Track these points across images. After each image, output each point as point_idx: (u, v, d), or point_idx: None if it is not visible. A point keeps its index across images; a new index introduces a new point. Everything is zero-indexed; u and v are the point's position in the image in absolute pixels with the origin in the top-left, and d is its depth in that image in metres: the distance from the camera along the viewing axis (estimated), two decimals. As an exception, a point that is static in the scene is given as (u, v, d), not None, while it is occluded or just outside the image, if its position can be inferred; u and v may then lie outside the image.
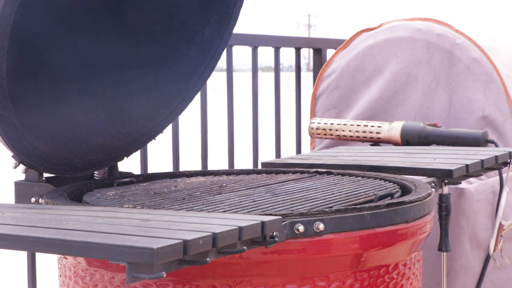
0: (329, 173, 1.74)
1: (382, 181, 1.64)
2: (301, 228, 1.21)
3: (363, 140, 2.36)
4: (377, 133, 2.32)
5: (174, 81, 1.81)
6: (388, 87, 2.52)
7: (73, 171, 1.63)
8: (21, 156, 1.49)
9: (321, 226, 1.23)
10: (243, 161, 3.68)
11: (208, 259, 1.00)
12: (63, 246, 0.97)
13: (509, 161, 1.86)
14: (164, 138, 2.17)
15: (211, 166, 2.63)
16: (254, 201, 1.40)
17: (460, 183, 1.81)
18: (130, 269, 0.91)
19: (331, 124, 2.40)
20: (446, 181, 1.72)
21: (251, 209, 1.32)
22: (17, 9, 1.33)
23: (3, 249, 1.03)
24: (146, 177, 1.77)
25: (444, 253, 1.84)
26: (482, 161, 1.77)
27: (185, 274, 1.22)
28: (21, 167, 1.56)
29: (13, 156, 1.51)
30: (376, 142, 2.34)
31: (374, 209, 1.29)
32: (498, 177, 2.21)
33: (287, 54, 3.20)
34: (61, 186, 1.57)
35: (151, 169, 2.45)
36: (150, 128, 1.80)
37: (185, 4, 1.77)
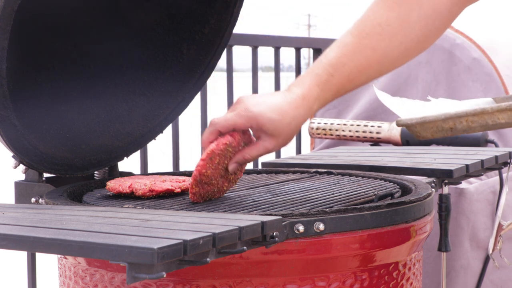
0: (329, 173, 1.74)
1: (382, 181, 1.64)
2: (301, 228, 1.21)
3: (363, 140, 2.35)
4: (377, 133, 2.32)
5: (174, 81, 1.81)
6: (388, 87, 2.52)
7: (73, 171, 1.63)
8: (21, 156, 1.49)
9: (321, 226, 1.23)
10: (243, 161, 3.67)
11: (208, 259, 0.99)
12: (63, 246, 0.97)
13: (509, 161, 1.86)
14: (164, 138, 2.17)
15: (211, 166, 2.62)
16: (254, 201, 1.40)
17: (460, 183, 1.81)
18: (130, 269, 0.91)
19: (331, 124, 2.40)
20: (446, 181, 1.72)
21: (251, 209, 1.32)
22: (17, 9, 1.33)
23: (3, 249, 1.03)
24: (146, 177, 1.76)
25: (444, 253, 1.84)
26: (482, 161, 1.77)
27: (185, 274, 1.22)
28: (21, 167, 1.56)
29: (13, 156, 1.51)
30: (376, 142, 2.34)
31: (374, 209, 1.29)
32: (498, 177, 2.21)
33: (287, 54, 3.20)
34: (61, 186, 1.57)
35: (151, 169, 2.45)
36: (150, 128, 1.80)
37: (185, 4, 1.77)
